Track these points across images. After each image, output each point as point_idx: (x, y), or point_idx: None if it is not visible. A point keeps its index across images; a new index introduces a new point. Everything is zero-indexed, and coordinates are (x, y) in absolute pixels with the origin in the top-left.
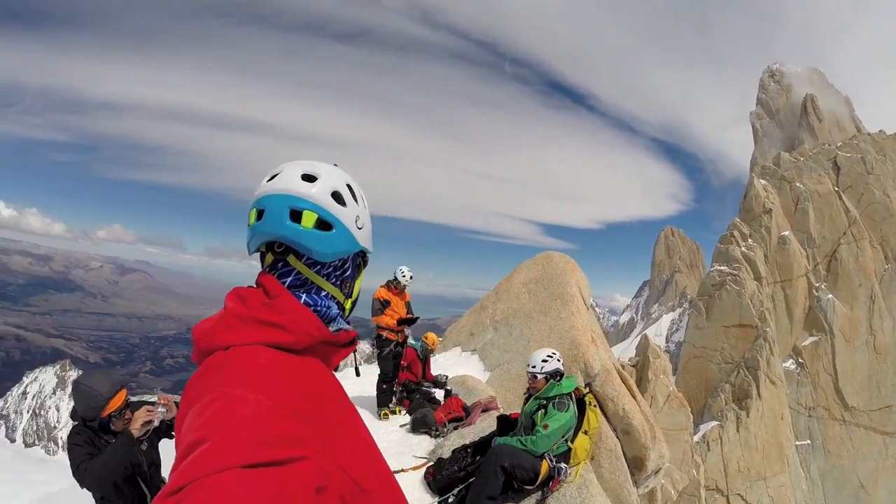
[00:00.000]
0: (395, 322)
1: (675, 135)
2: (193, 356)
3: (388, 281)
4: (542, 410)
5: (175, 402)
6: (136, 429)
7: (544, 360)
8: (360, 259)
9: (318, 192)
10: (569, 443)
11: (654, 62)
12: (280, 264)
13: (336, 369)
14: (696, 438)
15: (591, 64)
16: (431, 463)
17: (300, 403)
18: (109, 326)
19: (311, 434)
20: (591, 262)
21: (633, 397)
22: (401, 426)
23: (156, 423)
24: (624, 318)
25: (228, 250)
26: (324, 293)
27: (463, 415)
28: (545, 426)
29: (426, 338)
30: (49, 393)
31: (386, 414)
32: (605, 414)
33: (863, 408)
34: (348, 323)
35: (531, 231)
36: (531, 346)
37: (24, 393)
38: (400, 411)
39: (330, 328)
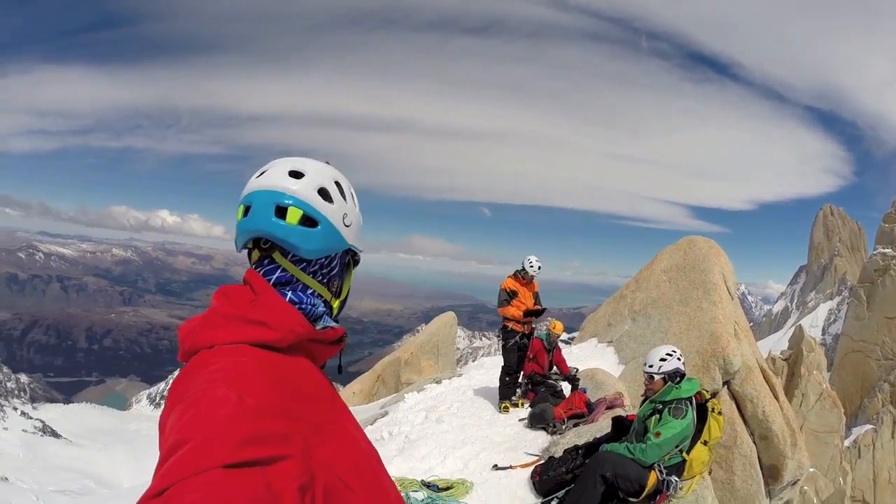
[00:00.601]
0: (521, 313)
1: (830, 100)
2: (179, 356)
3: (517, 271)
4: (657, 416)
5: None
6: None
7: (662, 359)
8: (350, 258)
9: (304, 189)
10: (683, 453)
11: (801, 20)
12: (266, 261)
13: (322, 367)
14: (846, 443)
15: (732, 29)
16: (542, 461)
17: (284, 401)
18: None
19: (295, 431)
20: (743, 246)
21: (776, 398)
22: (519, 420)
23: None
24: (777, 307)
25: (377, 244)
26: (310, 291)
27: (585, 411)
28: (657, 434)
29: (553, 326)
30: None
31: (507, 407)
32: (742, 416)
33: None
34: (336, 322)
35: (679, 214)
36: (669, 339)
37: None
38: (523, 404)
39: (316, 326)
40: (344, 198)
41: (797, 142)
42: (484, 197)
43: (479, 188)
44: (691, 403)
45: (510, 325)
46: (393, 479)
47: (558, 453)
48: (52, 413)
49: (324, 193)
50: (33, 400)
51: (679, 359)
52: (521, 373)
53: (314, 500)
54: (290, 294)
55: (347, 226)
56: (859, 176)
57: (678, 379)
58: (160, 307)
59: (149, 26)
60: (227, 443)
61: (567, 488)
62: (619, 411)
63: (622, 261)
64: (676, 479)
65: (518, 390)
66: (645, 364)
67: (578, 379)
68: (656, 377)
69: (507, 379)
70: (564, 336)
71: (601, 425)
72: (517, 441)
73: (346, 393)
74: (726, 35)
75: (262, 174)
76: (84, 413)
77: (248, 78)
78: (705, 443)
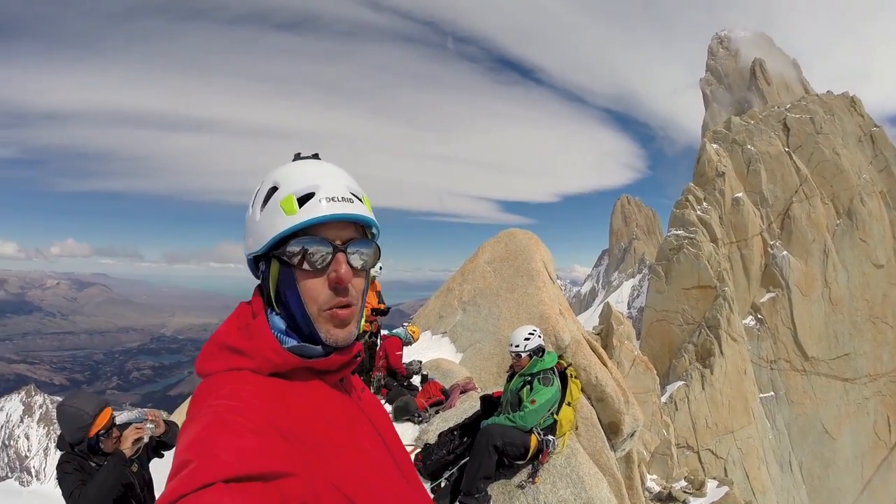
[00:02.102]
0: (368, 312)
1: (626, 104)
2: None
3: None
4: (528, 387)
5: (164, 419)
6: (127, 448)
7: (526, 339)
8: (272, 258)
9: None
10: (554, 415)
11: (601, 33)
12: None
13: (341, 380)
14: (663, 399)
15: (535, 36)
16: (419, 449)
17: (284, 423)
18: (71, 345)
19: (296, 451)
20: (550, 235)
21: (605, 365)
22: None
23: (146, 440)
24: (585, 289)
25: (186, 254)
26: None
27: (443, 398)
28: (532, 401)
29: (412, 331)
30: (17, 422)
31: None
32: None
33: (822, 357)
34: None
35: (489, 209)
36: (501, 324)
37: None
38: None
39: (284, 345)
40: (250, 207)
41: (597, 140)
42: None
43: None
44: (554, 372)
45: None
46: None
47: (432, 439)
48: None
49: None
50: None
51: (539, 336)
52: (373, 371)
53: None
54: (270, 313)
55: (245, 239)
56: (653, 169)
57: (541, 353)
58: None
59: None
60: (227, 461)
61: (452, 468)
62: (472, 393)
63: (436, 256)
64: (553, 437)
65: (371, 388)
66: (510, 345)
67: (426, 373)
68: (523, 355)
69: (362, 378)
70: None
71: (461, 408)
72: None
73: (176, 419)
74: (530, 41)
75: None
76: None
77: (42, 68)
78: (569, 404)
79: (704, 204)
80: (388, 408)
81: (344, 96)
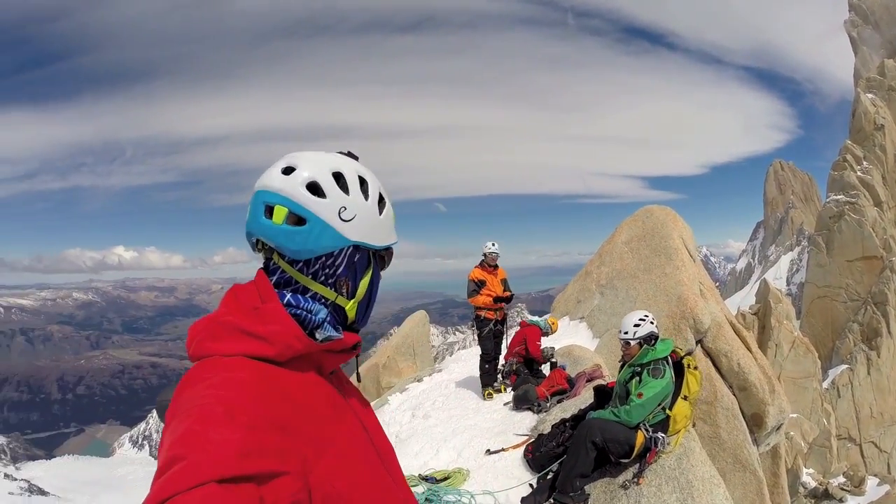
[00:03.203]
0: (491, 300)
1: (767, 59)
2: (189, 356)
3: (482, 260)
4: (637, 378)
5: None
6: None
7: (636, 325)
8: (372, 255)
9: (291, 185)
10: (666, 410)
11: None
12: (270, 262)
13: (332, 372)
14: (825, 385)
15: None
16: (532, 440)
17: (279, 417)
18: None
19: (291, 447)
20: (700, 210)
21: (749, 350)
22: (504, 404)
23: None
24: (740, 265)
25: None
26: (310, 293)
27: (567, 387)
28: (639, 394)
29: (551, 322)
30: None
31: (490, 393)
32: (719, 371)
33: None
34: (356, 327)
35: (635, 186)
36: (638, 307)
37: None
38: (505, 389)
39: (317, 335)
40: (346, 190)
41: (740, 102)
42: (437, 193)
43: (432, 185)
44: (668, 362)
45: (482, 313)
46: None
47: (547, 430)
48: (36, 471)
49: (313, 188)
50: (15, 460)
51: (652, 322)
52: (500, 359)
53: None
54: (288, 296)
55: (347, 220)
56: (805, 129)
57: (653, 341)
58: (129, 346)
59: (80, 60)
60: (219, 459)
61: (560, 460)
62: (599, 382)
63: (583, 239)
64: (663, 434)
65: (499, 376)
66: (620, 332)
67: (556, 360)
68: (632, 342)
69: (487, 366)
70: (536, 318)
71: (584, 398)
72: (505, 424)
73: None
74: (655, 4)
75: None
76: (68, 466)
77: (188, 101)
78: (685, 398)
79: (865, 163)
80: (509, 396)
81: (474, 87)
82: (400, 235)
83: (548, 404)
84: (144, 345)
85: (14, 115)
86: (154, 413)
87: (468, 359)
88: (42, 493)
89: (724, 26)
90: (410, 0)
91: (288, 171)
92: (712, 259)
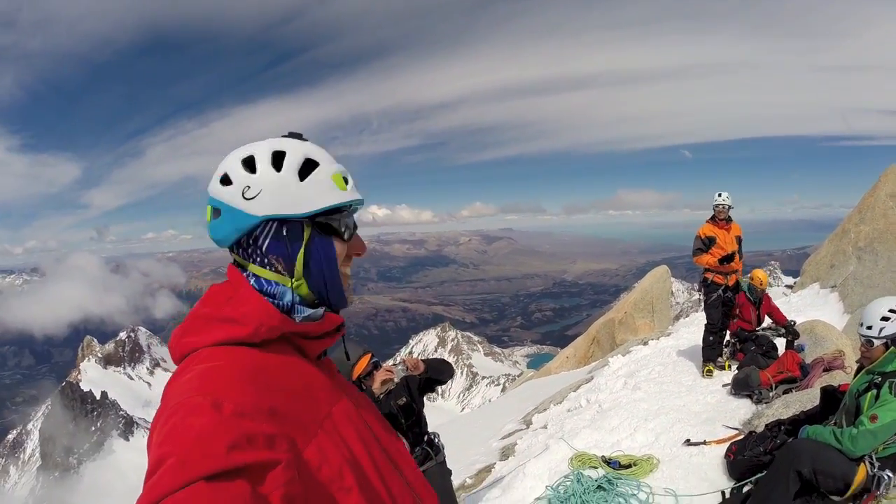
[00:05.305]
0: (716, 260)
1: None
2: (173, 360)
3: (712, 214)
4: (873, 391)
5: (429, 359)
6: (375, 387)
7: (885, 318)
8: (303, 226)
9: (212, 184)
10: None
11: None
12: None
13: (321, 356)
14: None
15: None
16: (740, 437)
17: (267, 401)
18: (482, 290)
19: (280, 433)
20: None
21: None
22: (723, 385)
23: (396, 380)
24: None
25: (585, 204)
26: (264, 279)
27: (798, 375)
28: (873, 417)
29: (752, 277)
30: (431, 350)
31: (710, 370)
32: None
33: None
34: (333, 309)
35: None
36: None
37: (411, 352)
38: (729, 366)
39: (295, 318)
40: (252, 171)
41: None
42: (683, 139)
43: (676, 130)
44: None
45: (710, 276)
46: (575, 452)
47: (760, 428)
48: None
49: (224, 179)
50: None
51: None
52: (727, 331)
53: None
54: (252, 280)
55: (251, 198)
56: None
57: None
58: (382, 293)
59: (321, 50)
60: (206, 454)
61: (761, 474)
62: (838, 374)
63: (846, 189)
64: (891, 474)
65: (725, 350)
66: (861, 324)
67: (796, 334)
68: (876, 342)
69: (711, 338)
70: (786, 281)
71: (815, 393)
72: (717, 411)
73: (560, 357)
74: None
75: None
76: None
77: (425, 69)
78: None
79: None
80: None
81: (713, 20)
82: (648, 185)
83: (771, 394)
84: (396, 291)
85: (265, 106)
86: (402, 351)
87: (701, 323)
88: None
89: None
90: None
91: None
92: None
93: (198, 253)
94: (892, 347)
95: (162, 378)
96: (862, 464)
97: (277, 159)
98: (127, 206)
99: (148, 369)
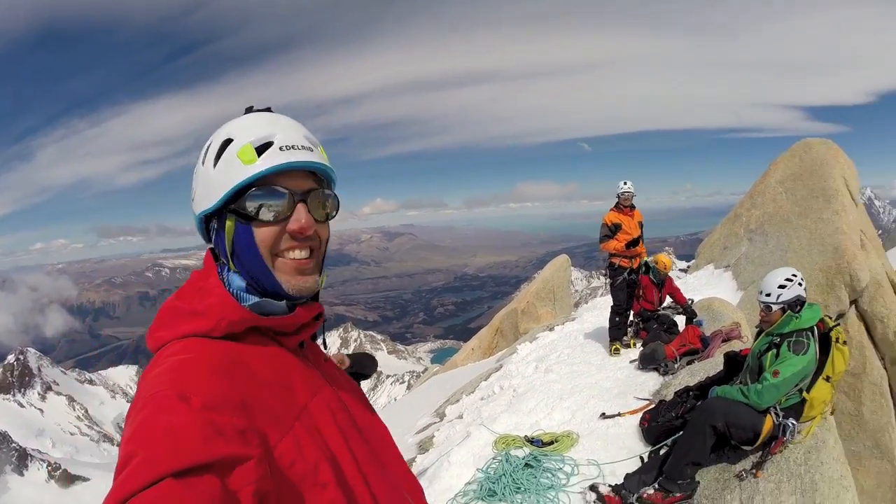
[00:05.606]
0: (622, 245)
1: None
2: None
3: (616, 202)
4: (774, 350)
5: (352, 354)
6: None
7: (782, 286)
8: (217, 219)
9: None
10: (803, 392)
11: None
12: None
13: (302, 345)
14: None
15: None
16: (652, 406)
17: (238, 393)
18: (384, 287)
19: (251, 427)
20: (865, 145)
21: None
22: (630, 362)
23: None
24: None
25: (486, 197)
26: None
27: (700, 347)
28: (775, 372)
29: (655, 260)
30: (333, 352)
31: (617, 349)
32: (872, 339)
33: None
34: (280, 298)
35: (793, 118)
36: (789, 258)
37: None
38: (634, 344)
39: (244, 303)
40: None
41: None
42: (582, 133)
43: (576, 124)
44: (813, 335)
45: (616, 261)
46: (496, 436)
47: (669, 396)
48: None
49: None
50: None
51: (800, 284)
52: (632, 311)
53: (279, 502)
54: (218, 269)
55: (193, 199)
56: None
57: (798, 308)
58: None
59: (222, 43)
60: (175, 450)
61: (676, 436)
62: (736, 343)
63: (737, 177)
64: (794, 422)
65: (629, 330)
66: (760, 292)
67: (694, 312)
68: (774, 307)
69: (617, 319)
70: (682, 264)
71: (717, 361)
72: (627, 386)
73: (465, 350)
74: None
75: None
76: None
77: (328, 64)
78: (828, 378)
79: None
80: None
81: (614, 17)
82: (548, 177)
83: (676, 366)
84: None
85: (164, 102)
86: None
87: (604, 307)
88: None
89: None
90: None
91: None
92: (876, 203)
93: (90, 262)
94: (789, 311)
95: (55, 402)
96: (768, 415)
97: (205, 150)
98: (12, 214)
99: (39, 394)
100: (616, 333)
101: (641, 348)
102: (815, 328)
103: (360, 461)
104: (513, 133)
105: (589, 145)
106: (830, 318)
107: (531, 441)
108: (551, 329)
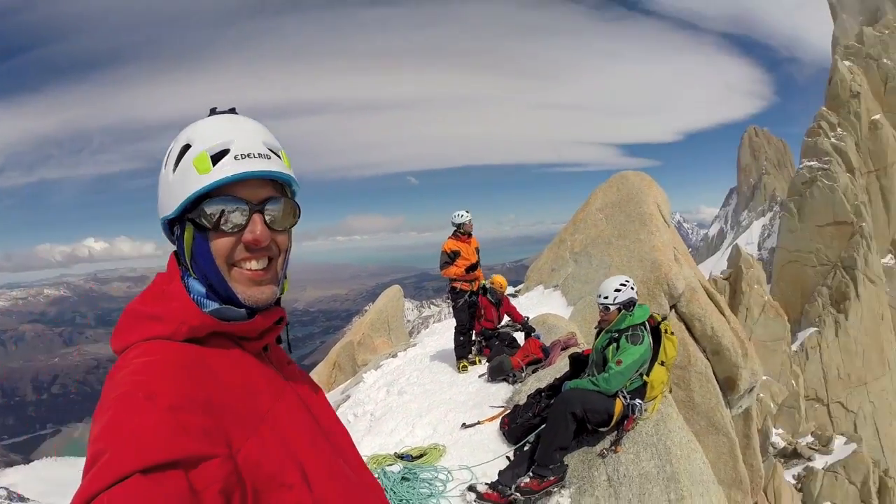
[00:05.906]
0: (462, 271)
1: (745, 25)
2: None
3: (454, 230)
4: (614, 344)
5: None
6: None
7: (617, 290)
8: (177, 223)
9: None
10: (644, 376)
11: None
12: None
13: (265, 349)
14: (794, 348)
15: None
16: (508, 411)
17: (203, 394)
18: None
19: (217, 427)
20: (675, 176)
21: (722, 314)
22: (479, 376)
23: None
24: (713, 231)
25: (313, 231)
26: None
27: (542, 356)
28: (618, 361)
29: (492, 281)
30: None
31: (465, 366)
32: (692, 335)
33: None
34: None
35: (610, 154)
36: (612, 274)
37: None
38: (480, 361)
39: (205, 309)
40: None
41: (716, 69)
42: (410, 166)
43: (404, 158)
44: (645, 328)
45: (458, 285)
46: (365, 457)
47: (522, 400)
48: (15, 477)
49: None
50: None
51: (632, 288)
52: (474, 331)
53: (245, 502)
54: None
55: (158, 202)
56: (780, 96)
57: (631, 307)
58: (103, 340)
59: (44, 51)
60: (141, 448)
61: (537, 431)
62: (574, 350)
63: (558, 208)
64: (640, 401)
65: (473, 348)
66: (599, 296)
67: (532, 327)
68: (612, 308)
69: (462, 338)
70: (510, 290)
71: (559, 367)
72: (481, 397)
73: None
74: None
75: None
76: (47, 470)
77: (156, 85)
78: (662, 363)
79: (839, 130)
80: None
81: (447, 59)
82: (376, 210)
83: (523, 374)
84: None
85: None
86: None
87: (442, 331)
88: (22, 500)
89: None
90: None
91: None
92: (685, 225)
93: None
94: (624, 311)
95: None
96: (618, 398)
97: (167, 154)
98: None
99: None
100: (462, 352)
101: (487, 363)
102: (647, 323)
103: (325, 462)
104: (342, 165)
105: (416, 178)
106: (658, 314)
107: (401, 457)
108: (395, 356)
